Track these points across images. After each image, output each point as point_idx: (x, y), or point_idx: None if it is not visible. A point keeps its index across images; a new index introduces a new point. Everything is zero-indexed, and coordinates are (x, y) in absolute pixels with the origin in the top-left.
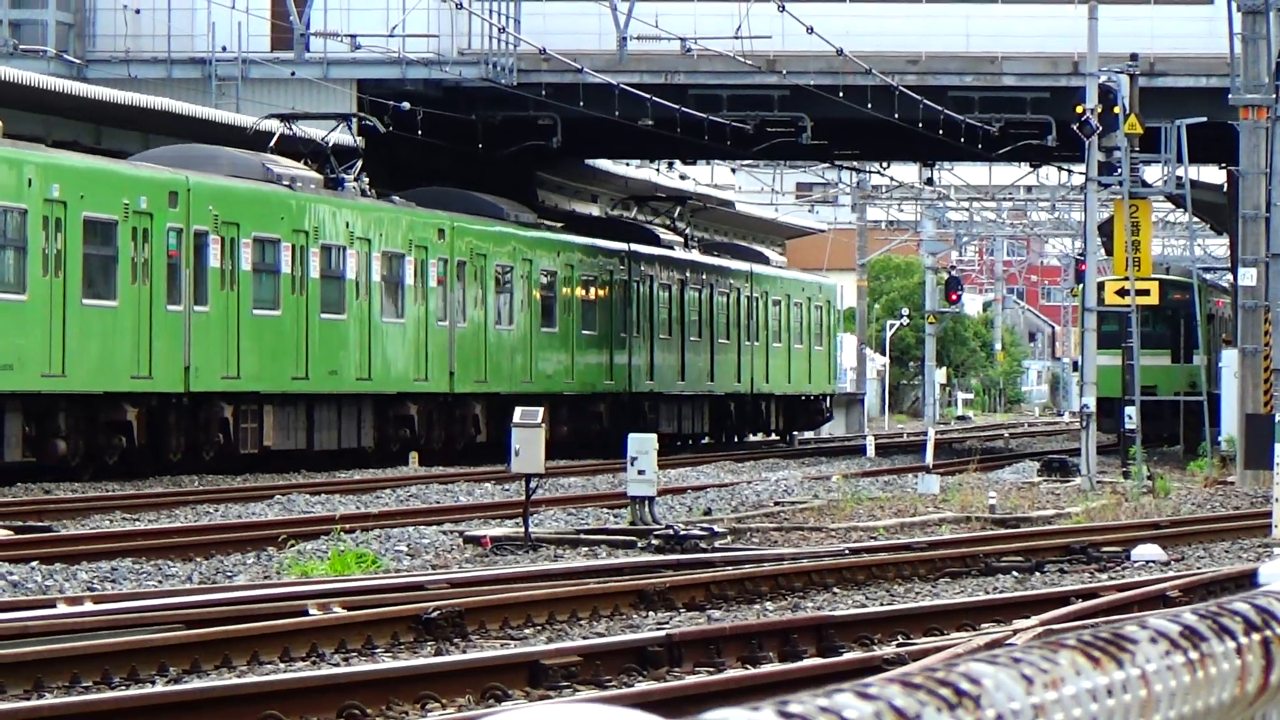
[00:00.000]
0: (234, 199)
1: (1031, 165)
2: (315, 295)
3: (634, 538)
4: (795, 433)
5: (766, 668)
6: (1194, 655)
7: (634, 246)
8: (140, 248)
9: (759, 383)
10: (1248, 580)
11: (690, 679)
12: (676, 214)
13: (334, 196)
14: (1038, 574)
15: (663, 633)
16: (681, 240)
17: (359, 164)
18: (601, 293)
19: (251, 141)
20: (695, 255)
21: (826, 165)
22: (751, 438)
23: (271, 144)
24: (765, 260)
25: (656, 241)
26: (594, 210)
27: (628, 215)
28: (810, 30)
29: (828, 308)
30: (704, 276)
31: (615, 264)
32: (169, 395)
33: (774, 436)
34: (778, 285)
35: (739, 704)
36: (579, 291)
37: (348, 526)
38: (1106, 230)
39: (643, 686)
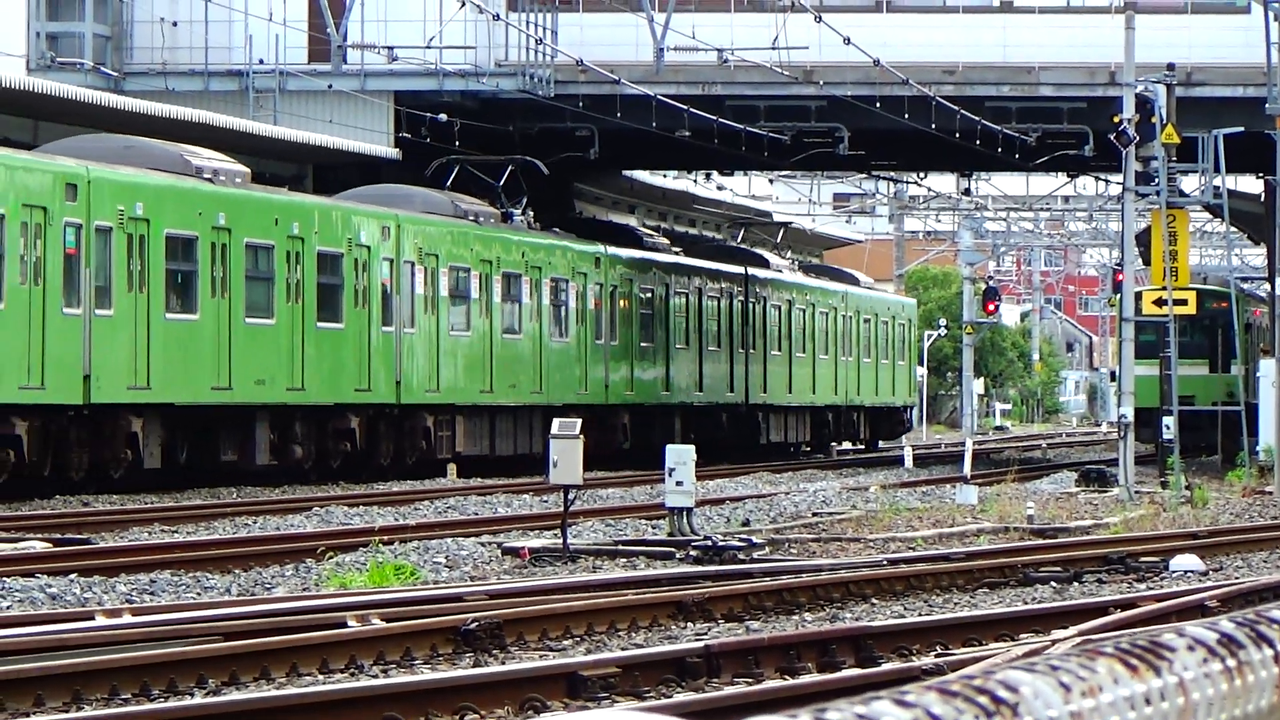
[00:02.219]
0: (433, 233)
1: (1069, 175)
2: (498, 318)
3: (672, 549)
4: (881, 440)
5: (805, 678)
6: (1231, 663)
7: (751, 270)
8: (360, 277)
9: (852, 395)
10: None
11: (729, 689)
12: (780, 238)
13: (510, 229)
14: (1076, 584)
15: (701, 644)
16: (787, 264)
17: (525, 199)
18: (722, 312)
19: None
20: (800, 278)
21: (864, 176)
22: (842, 446)
23: (449, 181)
24: (856, 281)
25: (767, 265)
26: (631, 220)
27: (719, 237)
28: (847, 41)
29: (909, 325)
30: (807, 297)
31: (736, 287)
32: (383, 406)
33: (861, 445)
34: (867, 304)
35: (777, 713)
36: (709, 312)
37: (386, 538)
38: (1144, 240)
39: (681, 697)
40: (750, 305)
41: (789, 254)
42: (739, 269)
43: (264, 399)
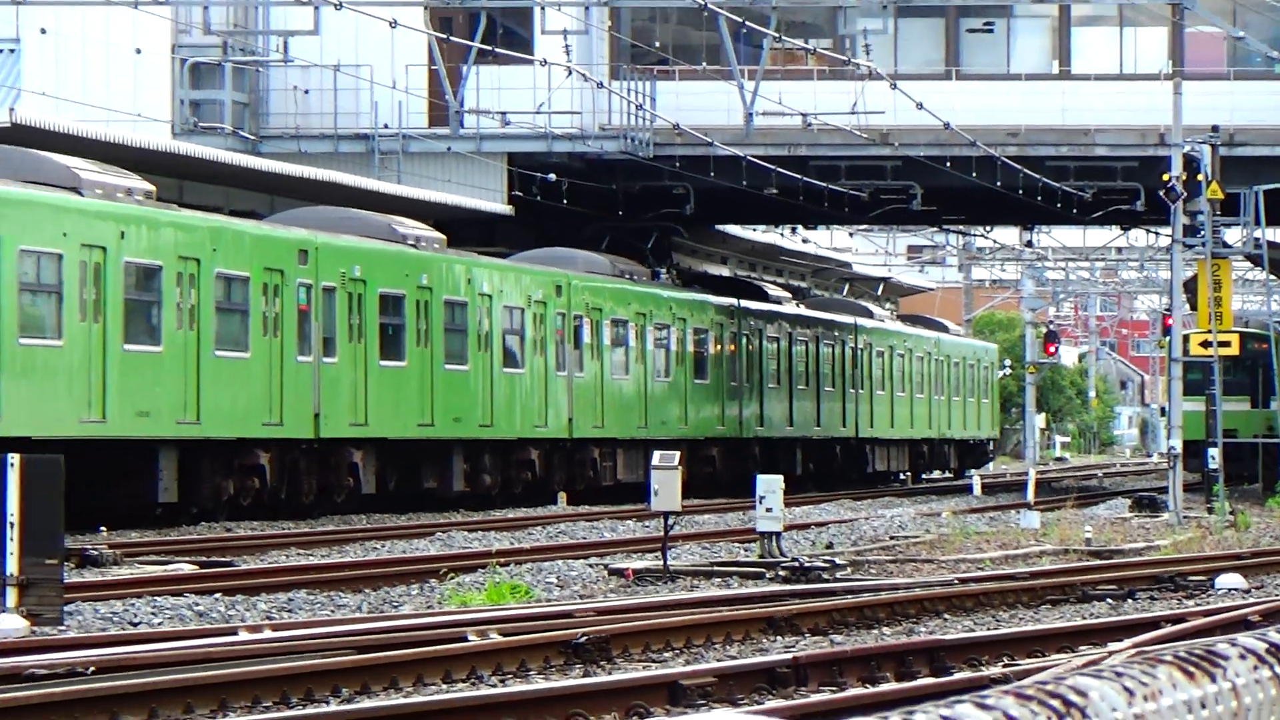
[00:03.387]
0: (598, 289)
1: (1122, 228)
2: (650, 365)
3: (762, 569)
4: (968, 470)
5: (884, 686)
6: None
7: (859, 320)
8: (537, 328)
9: (943, 429)
10: None
11: (814, 697)
12: (880, 292)
13: (659, 286)
14: (1130, 601)
15: (789, 655)
16: (887, 314)
17: (671, 258)
18: (836, 357)
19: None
20: (900, 326)
21: (935, 229)
22: (932, 475)
23: (604, 244)
24: (945, 329)
25: (872, 316)
26: (724, 270)
27: (820, 291)
28: (920, 106)
29: (991, 367)
30: (906, 344)
31: (847, 335)
32: (558, 440)
33: (949, 474)
34: (956, 350)
35: (867, 716)
36: (825, 357)
37: (503, 560)
38: (1191, 287)
39: (772, 704)
40: (859, 351)
41: (887, 304)
42: (850, 319)
43: (459, 434)
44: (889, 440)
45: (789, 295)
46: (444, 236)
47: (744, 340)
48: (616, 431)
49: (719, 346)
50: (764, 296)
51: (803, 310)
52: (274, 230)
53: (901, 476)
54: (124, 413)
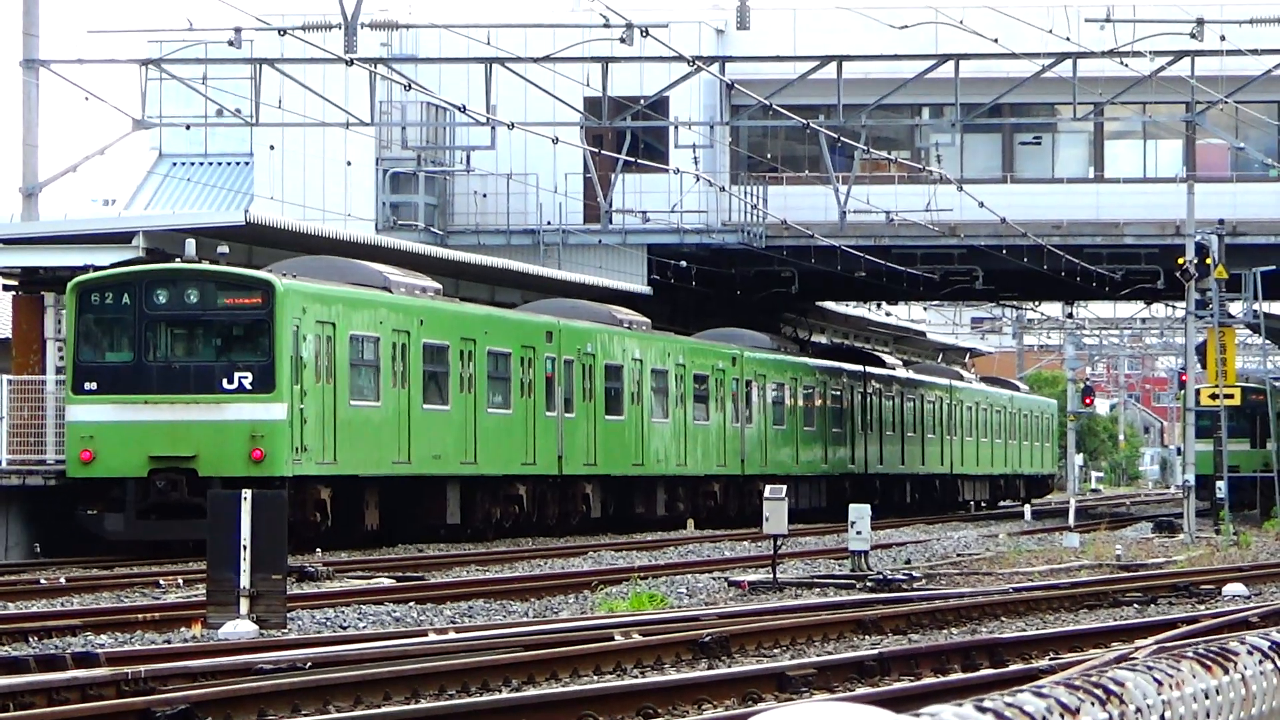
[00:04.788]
0: (762, 360)
1: (1146, 303)
2: (800, 418)
3: (854, 581)
4: (1032, 499)
5: (953, 676)
6: None
7: (953, 383)
8: (719, 390)
9: (1015, 466)
10: None
11: (896, 684)
12: (966, 359)
13: (807, 356)
14: (1153, 606)
15: (876, 651)
16: (973, 376)
17: (810, 333)
18: (935, 410)
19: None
20: (983, 387)
21: (993, 304)
22: (1005, 503)
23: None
24: (1017, 388)
25: (961, 378)
26: (824, 339)
27: (919, 360)
28: (981, 205)
29: (1052, 418)
30: (988, 399)
31: (944, 393)
32: (733, 476)
33: (1018, 502)
34: (1025, 405)
35: (942, 702)
36: (928, 411)
37: (643, 575)
38: (1202, 350)
39: (861, 690)
40: (953, 406)
41: (972, 368)
42: (946, 381)
43: (661, 472)
44: (975, 475)
45: (900, 362)
46: (649, 320)
47: (869, 398)
48: (779, 469)
49: (849, 403)
50: (882, 364)
51: (911, 374)
52: (529, 316)
53: (983, 504)
54: (423, 456)
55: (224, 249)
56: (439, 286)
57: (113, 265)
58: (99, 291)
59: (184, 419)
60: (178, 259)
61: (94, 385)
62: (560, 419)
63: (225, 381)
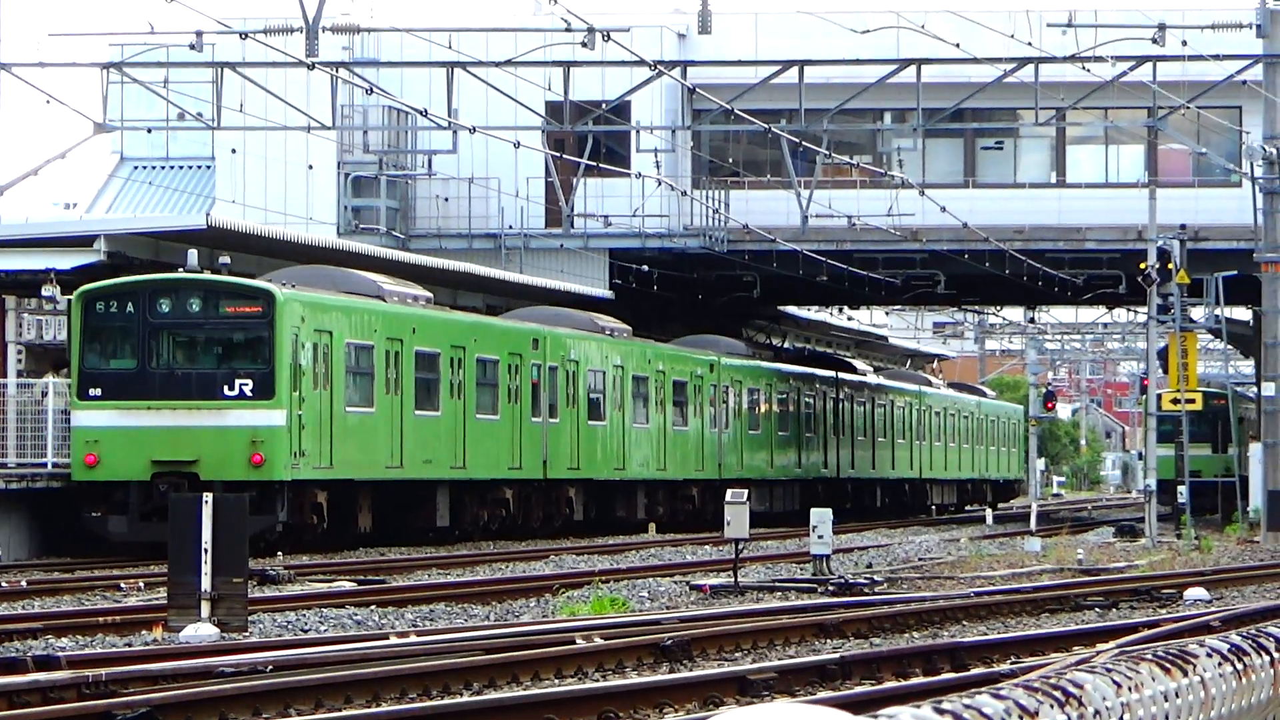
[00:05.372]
0: (738, 366)
1: (1107, 307)
2: (775, 422)
3: (815, 585)
4: (998, 504)
5: (915, 680)
6: (1239, 666)
7: (922, 388)
8: (697, 396)
9: (982, 471)
10: (1273, 613)
11: (858, 689)
12: (935, 366)
13: (781, 362)
14: (1114, 610)
15: (837, 655)
16: (941, 382)
17: (743, 333)
18: (905, 416)
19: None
20: (951, 392)
21: (955, 309)
22: (971, 508)
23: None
24: (983, 394)
25: (930, 384)
26: (787, 344)
27: (888, 366)
28: (943, 209)
29: (1019, 423)
30: (955, 405)
31: (913, 399)
32: (710, 480)
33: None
34: (991, 410)
35: (900, 706)
36: (898, 416)
37: (604, 579)
38: (1163, 355)
39: (822, 694)
40: (922, 412)
41: (940, 374)
42: (915, 387)
43: (643, 476)
44: (944, 480)
45: (870, 368)
46: (630, 327)
47: (841, 404)
48: (752, 473)
49: (822, 408)
50: (854, 370)
51: (882, 380)
52: (516, 324)
53: (951, 508)
54: (414, 461)
55: (225, 259)
56: (430, 295)
57: (74, 269)
58: (104, 300)
59: (186, 424)
60: (180, 269)
61: (99, 391)
62: (545, 424)
63: (226, 388)
